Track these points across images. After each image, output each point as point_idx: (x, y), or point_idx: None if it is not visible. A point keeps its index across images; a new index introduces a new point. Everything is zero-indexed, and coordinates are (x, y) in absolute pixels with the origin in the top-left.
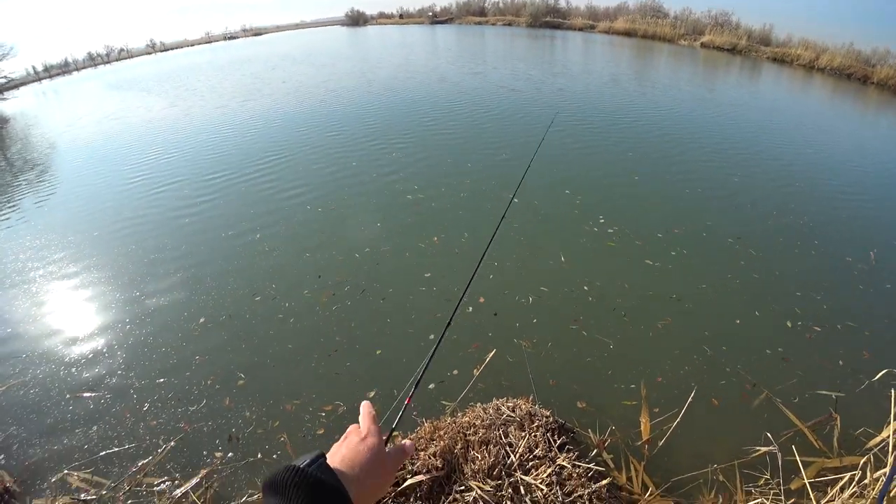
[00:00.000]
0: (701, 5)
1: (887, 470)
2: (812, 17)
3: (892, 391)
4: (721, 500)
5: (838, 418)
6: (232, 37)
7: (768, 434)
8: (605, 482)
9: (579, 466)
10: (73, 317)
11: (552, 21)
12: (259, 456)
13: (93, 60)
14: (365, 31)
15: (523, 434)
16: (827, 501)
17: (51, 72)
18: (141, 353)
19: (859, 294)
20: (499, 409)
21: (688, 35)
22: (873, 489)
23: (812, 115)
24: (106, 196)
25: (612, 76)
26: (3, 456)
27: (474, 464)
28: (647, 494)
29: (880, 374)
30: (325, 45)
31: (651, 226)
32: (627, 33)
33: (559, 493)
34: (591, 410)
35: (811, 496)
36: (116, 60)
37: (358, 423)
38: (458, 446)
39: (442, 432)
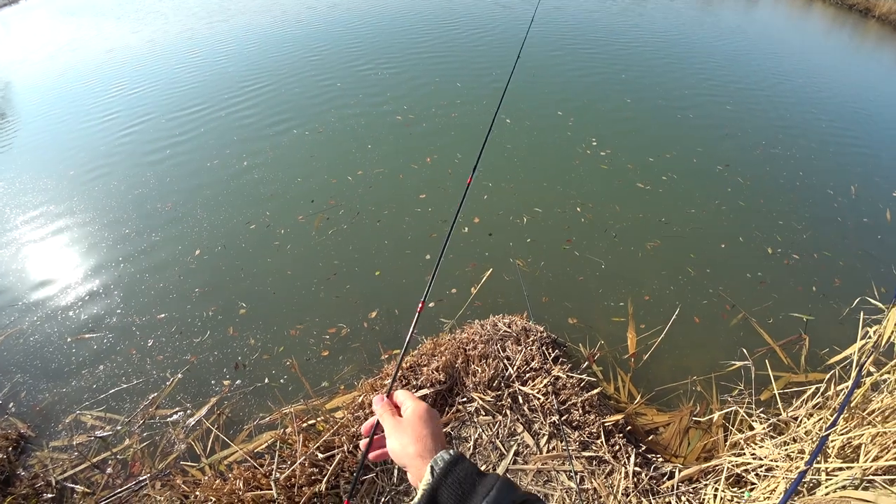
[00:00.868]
0: None
1: (850, 383)
2: None
3: (861, 313)
4: (698, 408)
5: (807, 339)
6: None
7: (743, 350)
8: (595, 391)
9: (572, 377)
10: (62, 260)
11: None
12: (266, 381)
13: None
14: None
15: (519, 348)
16: (793, 410)
17: None
18: (138, 290)
19: (837, 226)
20: (496, 325)
21: None
22: (835, 400)
23: (809, 47)
24: (76, 136)
25: None
26: (12, 404)
27: (475, 376)
28: (633, 402)
29: (853, 302)
30: None
31: (643, 150)
32: None
33: (555, 401)
34: (582, 326)
35: (779, 405)
36: None
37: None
38: (459, 361)
39: (443, 348)
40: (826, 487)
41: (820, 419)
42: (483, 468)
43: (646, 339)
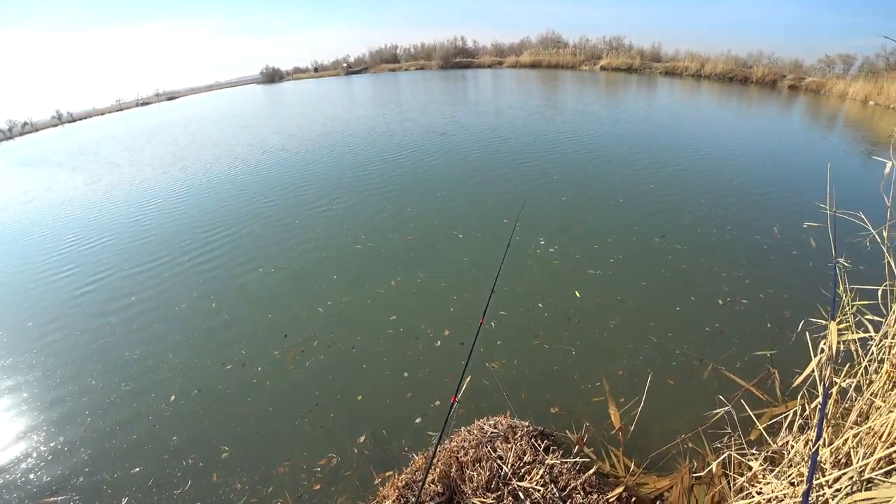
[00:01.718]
0: (596, 33)
1: (820, 398)
2: (693, 31)
3: (807, 334)
4: (695, 464)
5: (776, 372)
6: (145, 102)
7: (721, 397)
8: (592, 471)
9: (566, 462)
10: (21, 418)
11: (462, 61)
12: None
13: None
14: (281, 88)
15: (510, 445)
16: (781, 439)
17: None
18: (108, 445)
19: (772, 264)
20: (482, 428)
21: (588, 60)
22: (813, 418)
23: (707, 118)
24: (33, 288)
25: (530, 108)
26: None
27: (472, 482)
28: (630, 475)
29: (801, 325)
30: (243, 106)
31: (586, 240)
32: (533, 65)
33: (554, 489)
34: (565, 413)
35: (768, 440)
36: (20, 135)
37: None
38: (454, 469)
39: (435, 460)
40: (833, 500)
41: (808, 440)
42: None
43: (628, 412)
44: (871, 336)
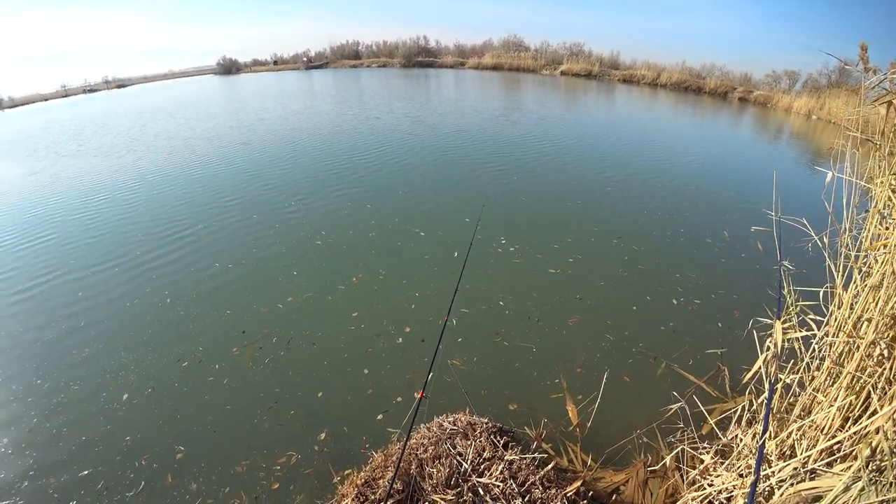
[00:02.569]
0: (557, 38)
1: (766, 393)
2: (650, 42)
3: (755, 333)
4: (650, 458)
5: (726, 369)
6: (92, 89)
7: (675, 393)
8: (550, 466)
9: (525, 458)
10: None
11: (424, 60)
12: None
13: None
14: (238, 80)
15: (469, 442)
16: (730, 433)
17: None
18: (55, 448)
19: (723, 266)
20: (441, 425)
21: (548, 65)
22: (760, 413)
23: (662, 125)
24: None
25: (494, 110)
26: None
27: (432, 479)
28: (588, 469)
29: (749, 324)
30: (200, 97)
31: (546, 240)
32: (495, 67)
33: (514, 484)
34: (524, 410)
35: (719, 434)
36: None
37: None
38: (413, 466)
39: (394, 458)
40: (779, 490)
41: (755, 433)
42: None
43: (585, 408)
44: (813, 335)
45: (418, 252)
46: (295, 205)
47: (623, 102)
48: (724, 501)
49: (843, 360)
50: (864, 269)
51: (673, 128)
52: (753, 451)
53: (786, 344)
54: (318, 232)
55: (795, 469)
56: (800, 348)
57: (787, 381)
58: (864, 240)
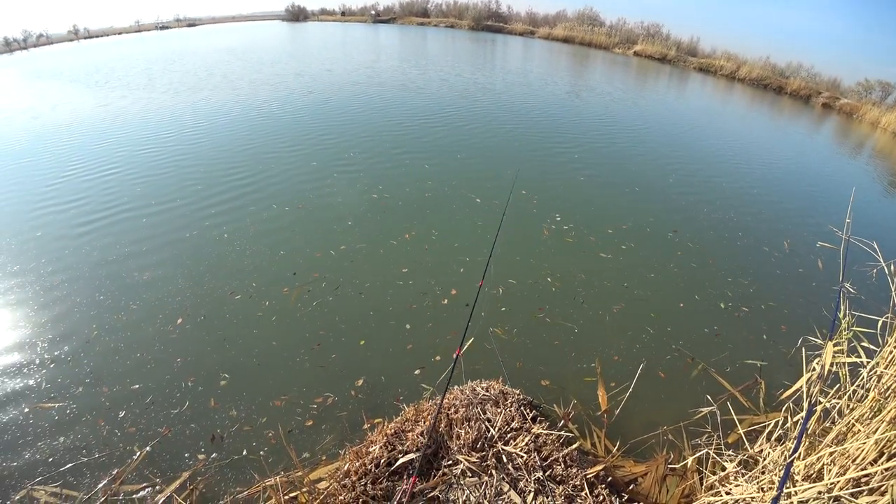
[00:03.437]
0: (635, 16)
1: (804, 413)
2: (735, 31)
3: (804, 350)
4: (672, 456)
5: (763, 383)
6: (164, 27)
7: (708, 397)
8: (574, 446)
9: (551, 434)
10: (25, 324)
11: (493, 25)
12: (244, 453)
13: (8, 46)
14: (305, 27)
15: (499, 410)
16: (758, 446)
17: None
18: (112, 360)
19: (777, 278)
20: (474, 389)
21: (622, 43)
22: (794, 431)
23: (735, 122)
24: (42, 198)
25: (562, 85)
26: None
27: (459, 439)
28: (610, 456)
29: (798, 342)
30: (268, 41)
31: (601, 223)
32: (566, 40)
33: (537, 458)
34: (555, 388)
35: (746, 444)
36: (35, 46)
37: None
38: (443, 425)
39: (426, 413)
40: None
41: (784, 450)
42: None
43: (615, 396)
44: (862, 363)
45: (472, 218)
46: (354, 156)
47: (696, 93)
48: None
49: (889, 394)
50: None
51: (746, 126)
52: (779, 467)
53: (833, 368)
54: (376, 186)
55: (820, 493)
56: (845, 375)
57: (827, 405)
58: None
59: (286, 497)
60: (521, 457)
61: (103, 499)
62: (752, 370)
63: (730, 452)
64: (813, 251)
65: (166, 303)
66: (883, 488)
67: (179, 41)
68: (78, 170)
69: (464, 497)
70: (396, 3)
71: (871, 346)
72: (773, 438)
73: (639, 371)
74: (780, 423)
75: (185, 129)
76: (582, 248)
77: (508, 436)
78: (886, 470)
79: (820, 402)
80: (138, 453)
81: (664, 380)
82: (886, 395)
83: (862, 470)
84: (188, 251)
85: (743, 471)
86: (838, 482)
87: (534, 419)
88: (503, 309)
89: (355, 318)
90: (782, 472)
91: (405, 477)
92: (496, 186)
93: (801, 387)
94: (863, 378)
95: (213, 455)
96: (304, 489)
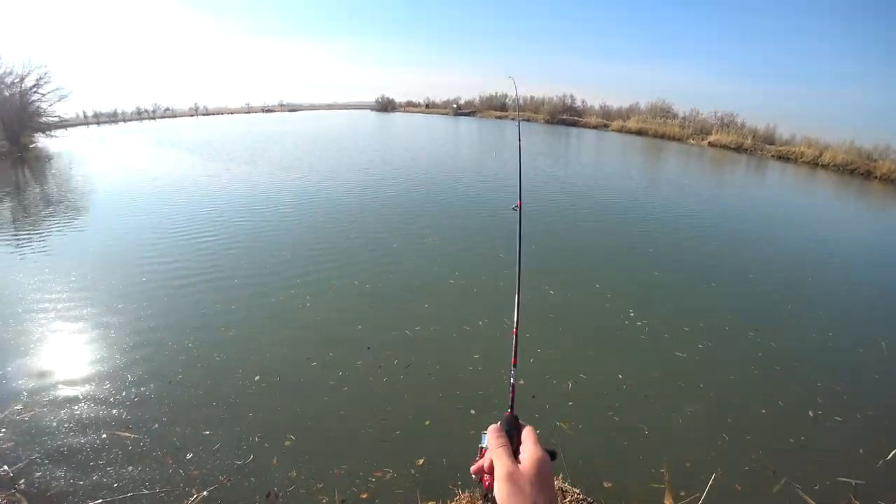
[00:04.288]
0: (707, 107)
1: None
2: (814, 116)
3: None
4: None
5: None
6: (269, 110)
7: None
8: None
9: None
10: (119, 358)
11: (568, 119)
12: None
13: (139, 115)
14: (392, 118)
15: None
16: None
17: (99, 119)
18: (189, 404)
19: (875, 382)
20: None
21: (696, 134)
22: None
23: (819, 210)
24: (155, 250)
25: (635, 178)
26: (23, 481)
27: None
28: None
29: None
30: (361, 129)
31: (677, 319)
32: (639, 132)
33: None
34: (618, 490)
35: None
36: (161, 118)
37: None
38: None
39: (480, 502)
40: None
41: None
42: None
43: None
44: None
45: (546, 310)
46: (432, 242)
47: (776, 181)
48: None
49: None
50: None
51: (832, 214)
52: None
53: None
54: (453, 272)
55: None
56: None
57: None
58: None
59: None
60: None
61: None
62: (845, 489)
63: None
64: None
65: (247, 359)
66: None
67: (282, 124)
68: (184, 230)
69: None
70: (477, 98)
71: None
72: None
73: (710, 481)
74: None
75: (278, 205)
76: (656, 346)
77: None
78: None
79: None
80: (195, 496)
81: (740, 493)
82: None
83: None
84: (272, 315)
85: None
86: None
87: None
88: (570, 403)
89: (423, 398)
90: None
91: None
92: (570, 280)
93: None
94: None
95: None
96: None
